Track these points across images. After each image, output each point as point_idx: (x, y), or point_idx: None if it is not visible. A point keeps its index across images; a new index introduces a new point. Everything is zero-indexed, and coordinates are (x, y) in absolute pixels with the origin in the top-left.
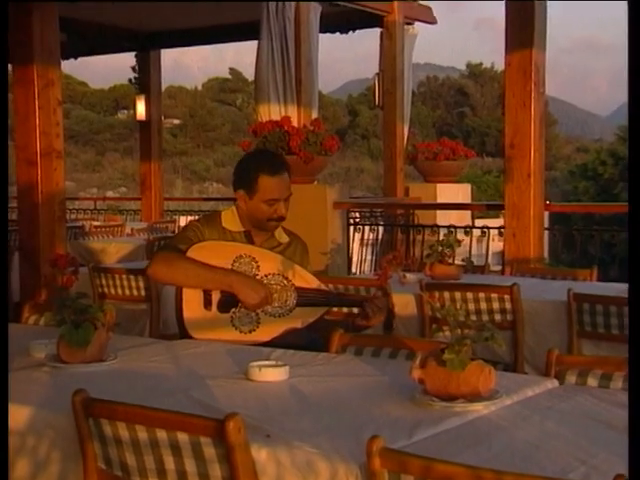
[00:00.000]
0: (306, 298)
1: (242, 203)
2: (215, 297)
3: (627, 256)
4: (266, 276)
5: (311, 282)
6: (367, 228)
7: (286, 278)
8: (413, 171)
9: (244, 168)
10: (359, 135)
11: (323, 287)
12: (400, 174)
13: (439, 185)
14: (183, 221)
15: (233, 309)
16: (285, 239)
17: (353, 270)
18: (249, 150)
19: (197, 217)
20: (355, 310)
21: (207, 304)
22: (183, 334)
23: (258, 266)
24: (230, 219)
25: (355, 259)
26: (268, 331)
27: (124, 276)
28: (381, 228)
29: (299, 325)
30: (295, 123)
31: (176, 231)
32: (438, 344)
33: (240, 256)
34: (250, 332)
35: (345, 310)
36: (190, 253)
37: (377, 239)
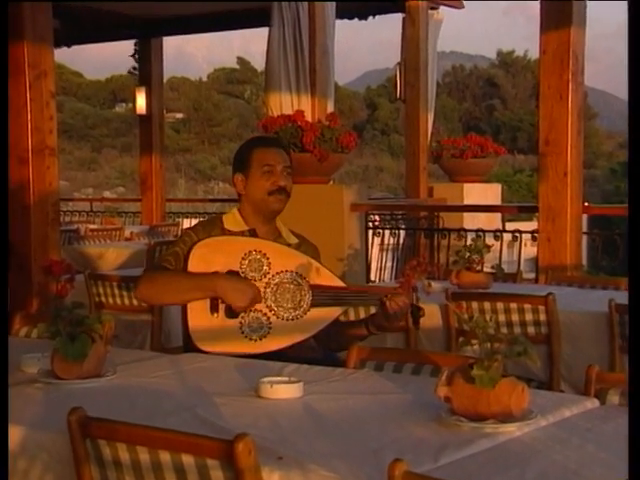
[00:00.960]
0: (321, 297)
1: (241, 187)
2: (222, 301)
3: None
4: (278, 274)
5: (327, 279)
6: (387, 232)
7: (300, 276)
8: (438, 170)
9: (238, 151)
10: (378, 130)
11: (339, 282)
12: (423, 173)
13: (466, 185)
14: (187, 224)
15: (242, 313)
16: (294, 240)
17: (372, 278)
18: None
19: (195, 223)
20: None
21: (214, 309)
22: (188, 345)
23: (269, 263)
24: (232, 220)
25: (374, 266)
26: (280, 338)
27: (123, 284)
28: (403, 232)
29: (314, 329)
30: (309, 117)
31: (179, 234)
32: (466, 359)
33: (249, 252)
34: (261, 339)
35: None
36: (194, 252)
37: (398, 244)
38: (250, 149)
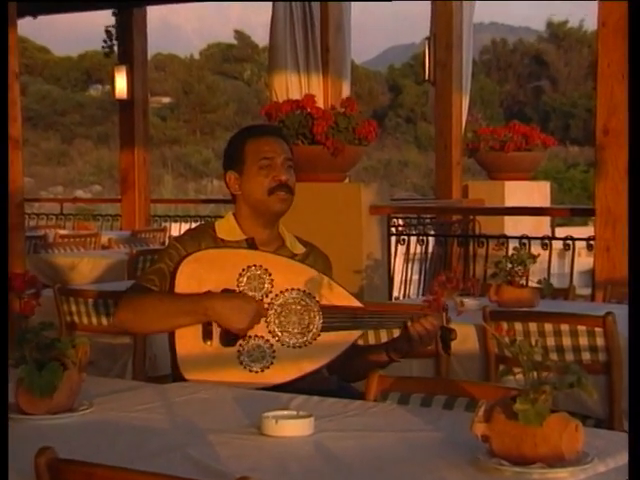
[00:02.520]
0: (334, 320)
1: (235, 187)
2: (216, 326)
3: None
4: (282, 293)
5: (340, 297)
6: (414, 239)
7: (308, 295)
8: (474, 165)
9: (229, 145)
10: (403, 118)
11: (355, 302)
12: (457, 169)
13: (508, 183)
14: (175, 230)
15: (240, 341)
16: (300, 249)
17: (395, 294)
18: None
19: (183, 232)
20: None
21: (207, 336)
22: (177, 376)
23: (272, 280)
24: (226, 228)
25: (398, 279)
26: (286, 369)
27: (100, 301)
28: (432, 239)
29: (326, 358)
30: (321, 103)
31: (166, 242)
32: (507, 391)
33: (248, 267)
34: (263, 371)
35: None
36: (182, 268)
37: (426, 254)
38: (242, 141)
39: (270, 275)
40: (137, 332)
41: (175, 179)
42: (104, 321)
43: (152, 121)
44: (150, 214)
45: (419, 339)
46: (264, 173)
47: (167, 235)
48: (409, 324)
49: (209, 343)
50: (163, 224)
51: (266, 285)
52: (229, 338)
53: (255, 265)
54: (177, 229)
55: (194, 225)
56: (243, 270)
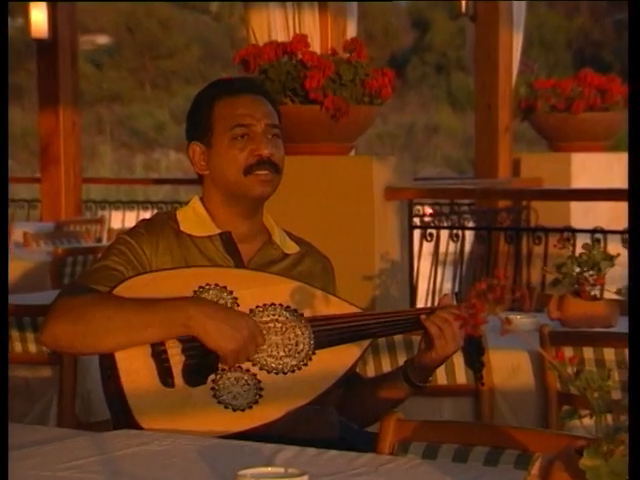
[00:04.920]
0: (328, 332)
1: (201, 164)
2: (176, 360)
3: None
4: (252, 312)
5: (337, 307)
6: (445, 234)
7: (288, 308)
8: (529, 131)
9: (193, 106)
10: (431, 66)
11: (354, 308)
12: (505, 136)
13: (576, 156)
14: (117, 220)
15: (212, 376)
16: (292, 248)
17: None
18: None
19: (136, 223)
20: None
21: (166, 376)
22: (122, 418)
23: (234, 298)
24: (193, 219)
25: (423, 289)
26: (280, 401)
27: (12, 319)
28: (470, 234)
29: (326, 382)
30: (316, 47)
31: (105, 238)
32: (572, 440)
33: (201, 288)
34: (251, 407)
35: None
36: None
37: (462, 253)
38: (209, 101)
39: (231, 293)
40: (78, 351)
41: (116, 151)
42: (18, 347)
43: (83, 70)
44: (82, 199)
45: (441, 336)
46: (239, 146)
47: (106, 228)
48: (423, 318)
49: (170, 385)
50: (100, 213)
51: (229, 306)
52: (196, 375)
53: (209, 284)
54: (120, 220)
55: (144, 215)
56: (195, 293)
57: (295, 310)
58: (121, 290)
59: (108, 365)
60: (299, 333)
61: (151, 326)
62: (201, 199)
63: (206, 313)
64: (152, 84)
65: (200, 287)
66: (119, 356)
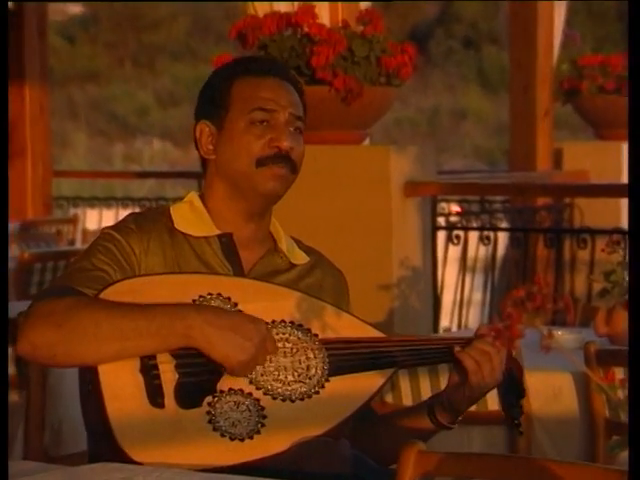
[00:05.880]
0: (346, 358)
1: (207, 147)
2: (168, 377)
3: None
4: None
5: (353, 329)
6: (474, 236)
7: (300, 327)
8: (572, 116)
9: (210, 81)
10: (459, 40)
11: (375, 332)
12: (545, 122)
13: (627, 146)
14: (91, 220)
15: (208, 398)
16: (301, 258)
17: (445, 323)
18: None
19: (122, 218)
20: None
21: (155, 397)
22: (102, 448)
23: (238, 311)
24: (189, 217)
25: (449, 299)
26: (285, 432)
27: None
28: (503, 236)
29: (339, 415)
30: (325, 18)
31: (78, 241)
32: (622, 475)
33: (201, 297)
34: (251, 437)
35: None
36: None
37: (495, 258)
38: (230, 77)
39: (236, 305)
40: (60, 363)
41: (91, 139)
42: None
43: (54, 44)
44: (52, 195)
45: (478, 371)
46: (256, 132)
47: (79, 229)
48: (457, 350)
49: (160, 406)
50: (73, 211)
51: None
52: (190, 396)
53: (210, 293)
54: (96, 219)
55: (123, 214)
56: (194, 302)
57: (309, 330)
58: (108, 295)
59: (89, 379)
60: (311, 356)
61: (146, 335)
62: (200, 196)
63: (209, 321)
64: (133, 61)
65: (200, 296)
66: (103, 369)
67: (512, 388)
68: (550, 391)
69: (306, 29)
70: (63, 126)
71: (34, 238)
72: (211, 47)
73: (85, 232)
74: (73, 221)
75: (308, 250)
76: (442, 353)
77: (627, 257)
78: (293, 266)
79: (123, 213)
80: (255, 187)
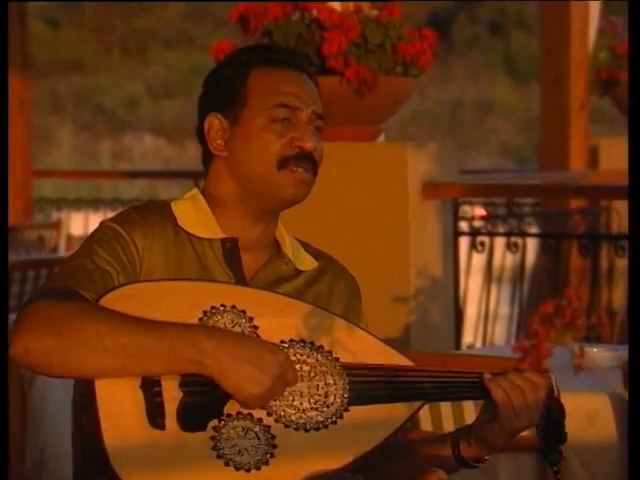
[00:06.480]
0: (368, 386)
1: (218, 142)
2: (170, 396)
3: None
4: (275, 346)
5: (376, 351)
6: (501, 242)
7: (320, 349)
8: (610, 109)
9: (221, 67)
10: (484, 25)
11: (398, 357)
12: (580, 117)
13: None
14: (76, 224)
15: (213, 421)
16: (308, 264)
17: (468, 340)
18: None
19: (126, 209)
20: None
21: (155, 416)
22: (100, 469)
23: (255, 327)
24: (191, 216)
25: (472, 313)
26: (296, 465)
27: None
28: (533, 242)
29: (359, 449)
30: (336, 2)
31: (62, 247)
32: None
33: (213, 309)
34: (258, 468)
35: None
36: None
37: (523, 267)
38: (246, 67)
39: (251, 320)
40: (56, 372)
41: (76, 134)
42: None
43: (35, 30)
44: (32, 197)
45: (509, 406)
46: (277, 130)
47: (63, 235)
48: (487, 378)
49: (160, 426)
50: (56, 215)
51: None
52: (193, 418)
53: (224, 305)
54: (81, 224)
55: (120, 213)
56: (205, 314)
57: (329, 352)
58: (110, 300)
59: (84, 391)
60: (331, 382)
61: (152, 356)
62: (203, 193)
63: (223, 347)
64: (122, 48)
65: (212, 307)
66: (100, 382)
67: (551, 430)
68: (584, 415)
69: (315, 13)
70: (45, 120)
71: (13, 245)
72: (209, 33)
73: (70, 238)
74: (56, 226)
75: (317, 254)
76: (475, 387)
77: None
78: (299, 272)
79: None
80: (275, 191)
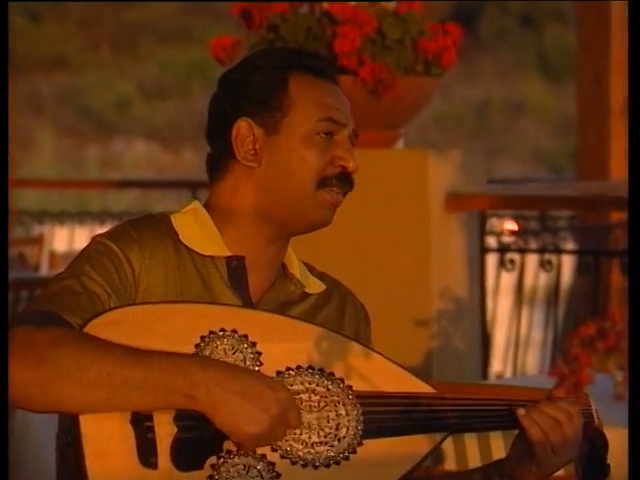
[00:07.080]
0: (384, 417)
1: (249, 151)
2: (164, 431)
3: None
4: (281, 374)
5: (394, 378)
6: (533, 260)
7: (331, 377)
8: None
9: (253, 67)
10: (515, 18)
11: (419, 384)
12: (621, 120)
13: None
14: (60, 240)
15: (212, 458)
16: (316, 287)
17: (497, 368)
18: (231, 61)
19: (122, 224)
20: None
21: (147, 454)
22: None
23: (258, 354)
24: (195, 229)
25: (501, 338)
26: None
27: None
28: (569, 260)
29: None
30: None
31: (45, 265)
32: None
33: (212, 334)
34: None
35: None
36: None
37: (559, 287)
38: (284, 70)
39: (254, 345)
40: (36, 407)
41: (60, 139)
42: None
43: (14, 24)
44: (12, 209)
45: (546, 443)
46: (321, 146)
47: (46, 251)
48: (520, 413)
49: (152, 466)
50: (38, 229)
51: (248, 364)
52: (192, 453)
53: (224, 329)
54: (66, 239)
55: (115, 227)
56: (202, 340)
57: (341, 380)
58: (99, 324)
59: (68, 427)
60: (343, 413)
61: (140, 389)
62: (206, 206)
63: (218, 381)
64: (112, 44)
65: (211, 332)
66: (85, 417)
67: (593, 465)
68: (626, 450)
69: (326, 6)
70: (25, 123)
71: None
72: (208, 27)
73: (53, 255)
74: (38, 241)
75: (321, 276)
76: (504, 417)
77: None
78: (307, 295)
79: (100, 231)
80: (306, 212)
